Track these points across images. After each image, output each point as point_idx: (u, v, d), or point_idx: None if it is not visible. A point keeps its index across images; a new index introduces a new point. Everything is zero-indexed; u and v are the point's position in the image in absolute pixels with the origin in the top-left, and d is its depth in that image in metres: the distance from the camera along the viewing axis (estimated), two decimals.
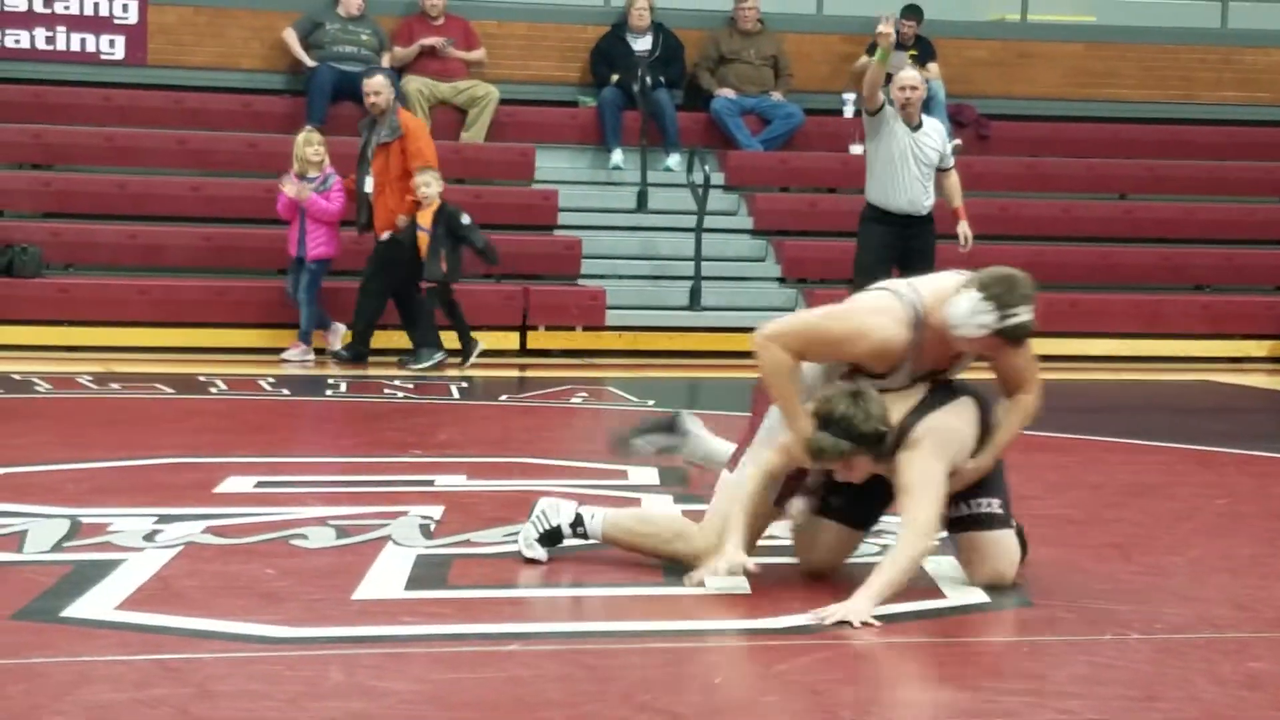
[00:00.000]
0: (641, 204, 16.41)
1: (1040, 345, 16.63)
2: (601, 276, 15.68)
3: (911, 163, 12.14)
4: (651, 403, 11.54)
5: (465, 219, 13.68)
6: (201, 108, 16.12)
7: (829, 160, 17.00)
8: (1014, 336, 5.67)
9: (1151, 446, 9.81)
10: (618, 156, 16.73)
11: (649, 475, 8.10)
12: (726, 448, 6.41)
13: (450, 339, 13.88)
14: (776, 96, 17.23)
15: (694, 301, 15.56)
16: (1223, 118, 18.24)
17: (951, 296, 5.64)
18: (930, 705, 4.52)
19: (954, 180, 12.49)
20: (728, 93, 17.07)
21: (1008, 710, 4.47)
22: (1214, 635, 5.30)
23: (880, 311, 5.72)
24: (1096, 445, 9.88)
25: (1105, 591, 5.86)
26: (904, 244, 12.14)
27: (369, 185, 13.92)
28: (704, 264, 15.65)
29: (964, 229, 12.60)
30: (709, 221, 15.89)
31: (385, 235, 13.85)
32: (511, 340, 15.10)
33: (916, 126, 12.17)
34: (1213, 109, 18.35)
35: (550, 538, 6.03)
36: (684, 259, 15.79)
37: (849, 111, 17.48)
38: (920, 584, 5.83)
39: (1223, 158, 17.70)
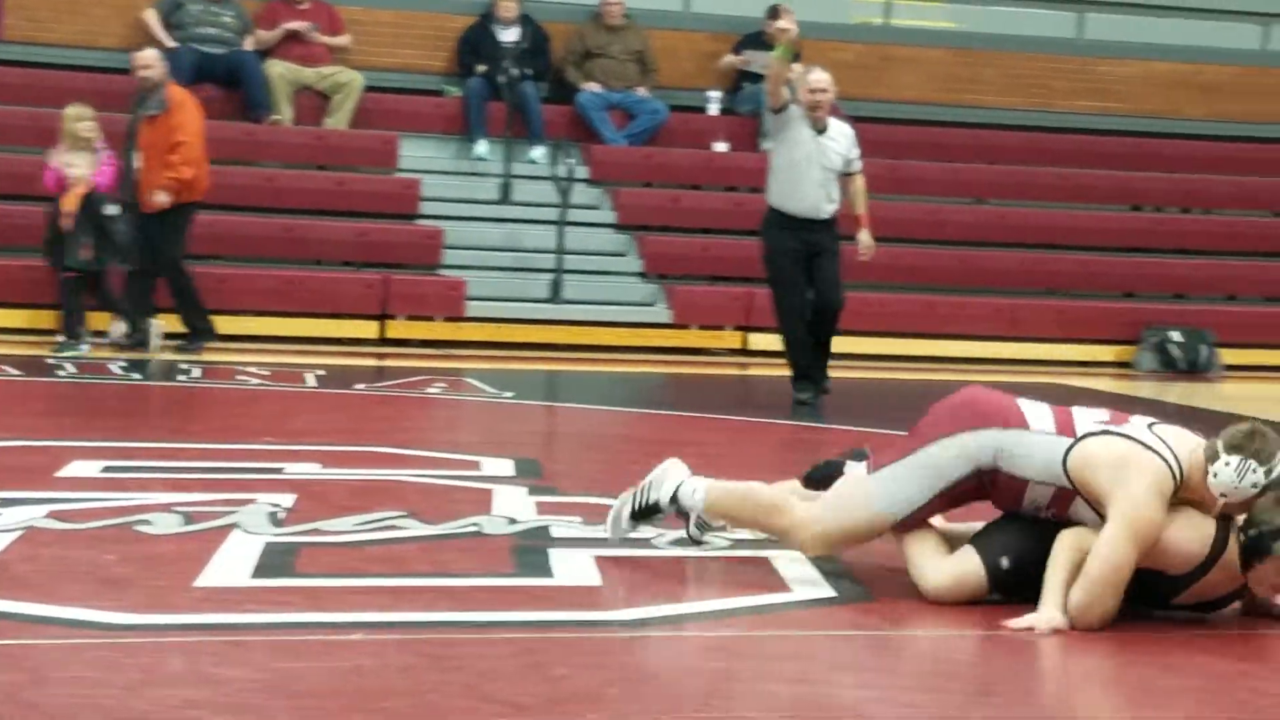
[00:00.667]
0: (505, 196, 16.40)
1: (899, 346, 16.86)
2: (463, 267, 15.65)
3: (815, 167, 11.59)
4: (510, 394, 11.53)
5: (111, 209, 13.50)
6: (59, 86, 15.90)
7: (693, 157, 17.07)
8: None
9: None
10: (482, 147, 16.69)
11: (504, 466, 8.09)
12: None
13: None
14: (642, 92, 17.28)
15: (555, 294, 15.57)
16: (1078, 126, 18.50)
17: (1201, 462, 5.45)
18: (772, 697, 4.54)
19: (859, 185, 12.04)
20: (593, 87, 17.09)
21: (847, 703, 4.51)
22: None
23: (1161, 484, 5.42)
24: None
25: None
26: (808, 249, 11.64)
27: (137, 160, 13.75)
28: (566, 257, 15.66)
29: (865, 237, 12.14)
30: (572, 215, 15.90)
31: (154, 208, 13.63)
32: (370, 329, 15.05)
33: (822, 130, 11.72)
34: (1069, 117, 18.61)
35: (646, 512, 6.11)
36: (546, 252, 15.79)
37: (714, 109, 17.57)
38: (767, 579, 5.88)
39: (1078, 165, 17.94)
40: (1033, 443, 5.57)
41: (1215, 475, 5.40)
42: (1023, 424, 5.62)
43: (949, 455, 5.63)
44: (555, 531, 6.52)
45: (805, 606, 5.61)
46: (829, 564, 6.10)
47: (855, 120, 17.63)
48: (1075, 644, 5.24)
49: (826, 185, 11.69)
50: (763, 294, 15.69)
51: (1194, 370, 15.94)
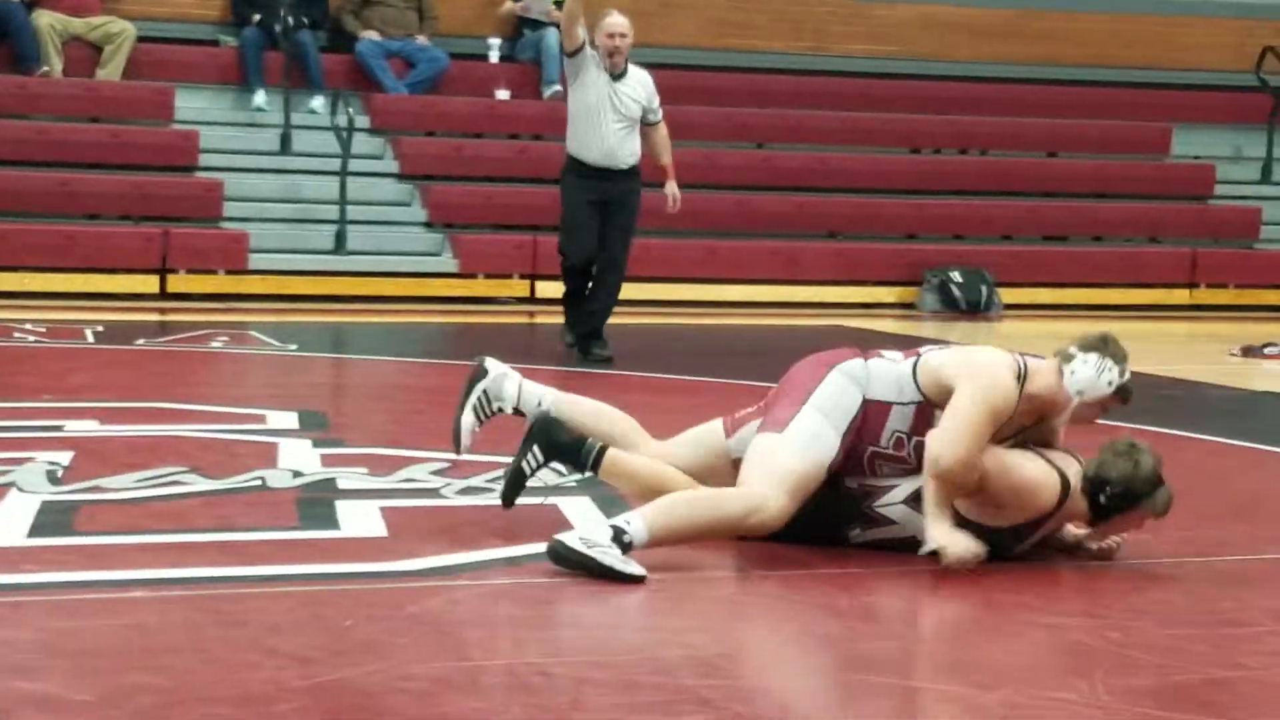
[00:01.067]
0: (285, 146, 16.24)
1: (680, 291, 16.90)
2: (244, 219, 15.49)
3: (609, 113, 11.18)
4: (294, 347, 11.45)
5: None
6: None
7: (475, 105, 17.01)
8: (1128, 392, 5.68)
9: None
10: (260, 98, 16.50)
11: (288, 419, 8.04)
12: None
13: None
14: (421, 40, 17.17)
15: (339, 245, 15.46)
16: (853, 69, 18.69)
17: (1057, 365, 5.64)
18: (560, 642, 4.58)
19: (662, 135, 11.68)
20: (372, 35, 16.96)
21: (634, 646, 4.56)
22: (833, 571, 5.46)
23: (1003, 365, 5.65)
24: (733, 388, 10.06)
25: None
26: (604, 199, 11.24)
27: None
28: (349, 208, 15.55)
29: (671, 188, 11.82)
30: (354, 165, 15.78)
31: None
32: (151, 284, 14.84)
33: (619, 75, 11.29)
34: (844, 60, 18.79)
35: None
36: (329, 202, 15.67)
37: (494, 56, 17.52)
38: (556, 525, 5.91)
39: (855, 108, 18.13)
40: (885, 367, 5.74)
41: (1073, 373, 5.61)
42: (875, 355, 5.81)
43: (837, 389, 5.69)
44: (341, 484, 6.50)
45: None
46: (621, 510, 6.14)
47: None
48: (851, 584, 5.34)
49: (624, 133, 11.27)
50: (549, 242, 15.74)
51: (975, 310, 16.22)
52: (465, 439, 6.12)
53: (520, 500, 5.86)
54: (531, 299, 15.56)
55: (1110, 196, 18.00)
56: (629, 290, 15.65)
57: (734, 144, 17.49)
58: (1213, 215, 18.15)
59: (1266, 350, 13.02)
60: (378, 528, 5.79)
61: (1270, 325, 14.61)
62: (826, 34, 18.86)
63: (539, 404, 6.19)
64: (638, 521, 5.30)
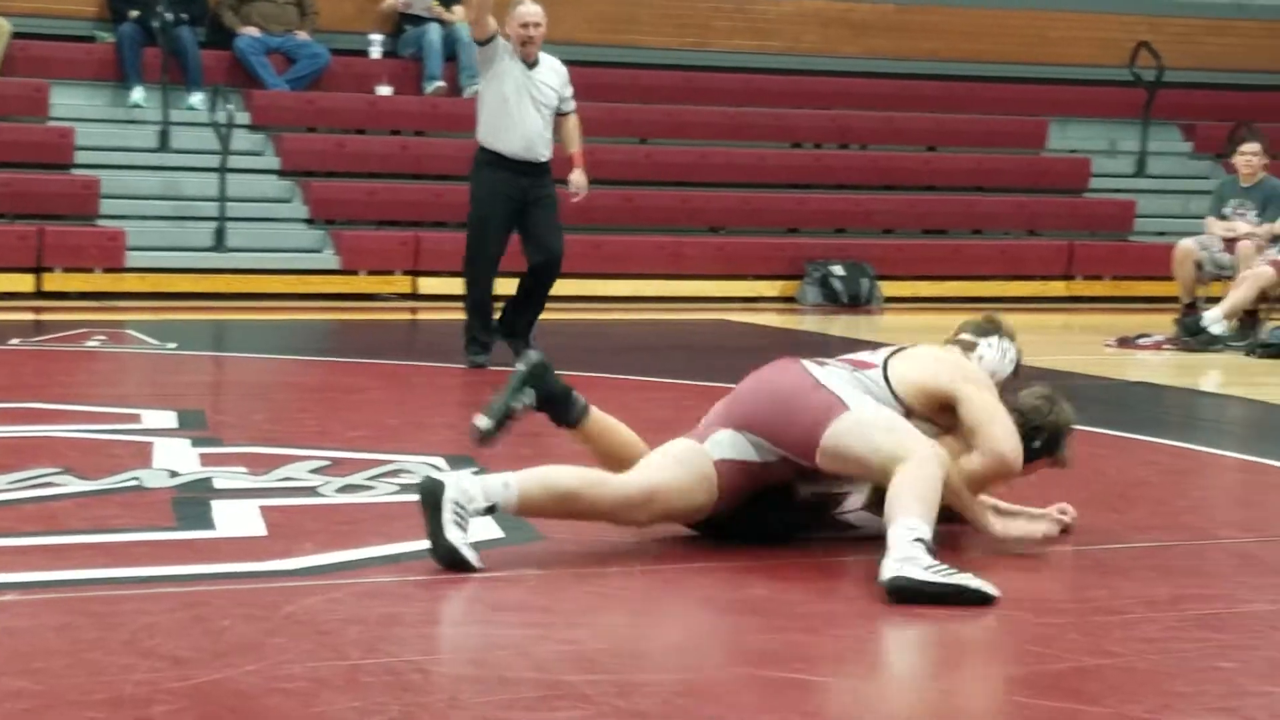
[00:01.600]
0: (163, 143, 16.11)
1: (567, 286, 16.97)
2: (122, 217, 15.35)
3: (528, 102, 10.85)
4: (173, 345, 11.36)
5: None
6: None
7: (356, 101, 16.94)
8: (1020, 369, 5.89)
9: (668, 383, 10.07)
10: (138, 94, 16.36)
11: (166, 419, 7.98)
12: None
13: None
14: (302, 36, 17.08)
15: (219, 243, 15.36)
16: (736, 65, 18.76)
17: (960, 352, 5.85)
18: (437, 640, 4.58)
19: (573, 124, 11.44)
20: (252, 31, 16.85)
21: (511, 643, 4.56)
22: (714, 564, 5.48)
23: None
24: (617, 383, 10.09)
25: (611, 526, 6.00)
26: (523, 194, 10.93)
27: None
28: (229, 205, 15.46)
29: (578, 176, 11.61)
30: (234, 161, 15.68)
31: None
32: (26, 283, 14.69)
33: (533, 65, 10.93)
34: (727, 56, 18.85)
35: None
36: (208, 199, 15.56)
37: (376, 52, 17.45)
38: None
39: (737, 103, 18.19)
40: (842, 374, 5.70)
41: (982, 359, 5.80)
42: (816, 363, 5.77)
43: (829, 377, 5.66)
44: (219, 483, 6.46)
45: (474, 548, 5.63)
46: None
47: None
48: (733, 578, 5.37)
49: (541, 124, 10.97)
50: (431, 237, 15.71)
51: (856, 303, 16.32)
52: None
53: (398, 498, 5.85)
54: (414, 295, 15.51)
55: (988, 190, 18.16)
56: (504, 286, 15.67)
57: (617, 139, 17.49)
58: (1088, 208, 18.35)
59: (1140, 341, 13.19)
60: (256, 527, 5.76)
61: (1145, 316, 14.79)
62: (710, 30, 18.92)
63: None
64: (920, 526, 5.10)
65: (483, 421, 5.76)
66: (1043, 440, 5.78)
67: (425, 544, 5.27)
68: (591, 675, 4.29)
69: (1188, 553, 5.89)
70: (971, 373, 5.73)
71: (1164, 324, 13.60)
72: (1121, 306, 16.81)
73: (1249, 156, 13.79)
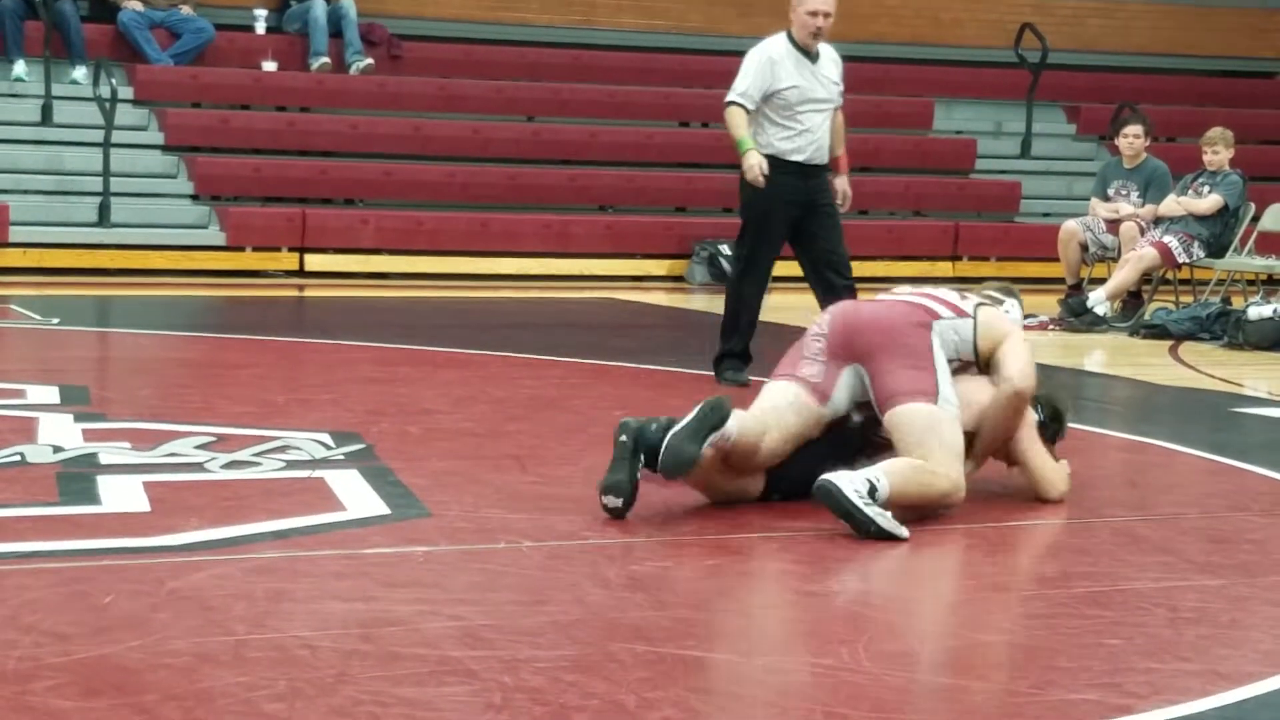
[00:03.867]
0: (46, 117, 15.90)
1: (453, 264, 16.83)
2: (4, 191, 15.14)
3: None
4: (56, 320, 11.23)
5: None
6: None
7: (241, 76, 16.79)
8: None
9: (555, 361, 10.05)
10: (20, 68, 16.14)
11: (49, 394, 7.90)
12: None
13: None
14: (186, 10, 16.91)
15: (102, 218, 15.19)
16: (623, 43, 18.74)
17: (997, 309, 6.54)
18: (325, 616, 4.55)
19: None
20: (135, 5, 16.66)
21: (400, 619, 4.54)
22: (602, 541, 5.49)
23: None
24: (503, 361, 10.07)
25: (502, 501, 6.00)
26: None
27: None
28: (113, 180, 15.29)
29: None
30: (118, 136, 15.51)
31: None
32: None
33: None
34: (614, 34, 18.83)
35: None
36: (92, 174, 15.38)
37: (261, 28, 17.31)
38: (322, 499, 5.88)
39: (625, 82, 18.18)
40: (948, 328, 6.24)
41: (1009, 313, 6.56)
42: (935, 312, 6.26)
43: (940, 352, 6.13)
44: (103, 458, 6.40)
45: (361, 525, 5.63)
46: (390, 484, 6.13)
47: (402, 39, 17.67)
48: (618, 554, 5.37)
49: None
50: (318, 214, 15.62)
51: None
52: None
53: (286, 474, 5.81)
54: (300, 272, 15.40)
55: (875, 170, 18.22)
56: (397, 264, 15.64)
57: (504, 117, 17.45)
58: (974, 189, 18.46)
59: (1026, 321, 13.28)
60: (140, 503, 5.71)
61: (1031, 297, 14.81)
62: (596, 8, 18.89)
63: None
64: (884, 481, 5.64)
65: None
66: (1055, 425, 6.51)
67: (317, 519, 5.25)
68: (479, 652, 4.28)
69: (1074, 531, 5.95)
70: (1018, 330, 6.48)
71: (1049, 305, 13.72)
72: None
73: (1131, 138, 13.91)
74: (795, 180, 9.47)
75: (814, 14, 9.60)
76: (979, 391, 6.25)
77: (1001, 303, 6.61)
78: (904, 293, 6.49)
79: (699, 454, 5.71)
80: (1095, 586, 5.24)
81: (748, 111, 9.52)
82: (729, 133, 9.54)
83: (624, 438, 5.74)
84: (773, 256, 9.66)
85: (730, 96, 9.62)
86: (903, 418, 5.93)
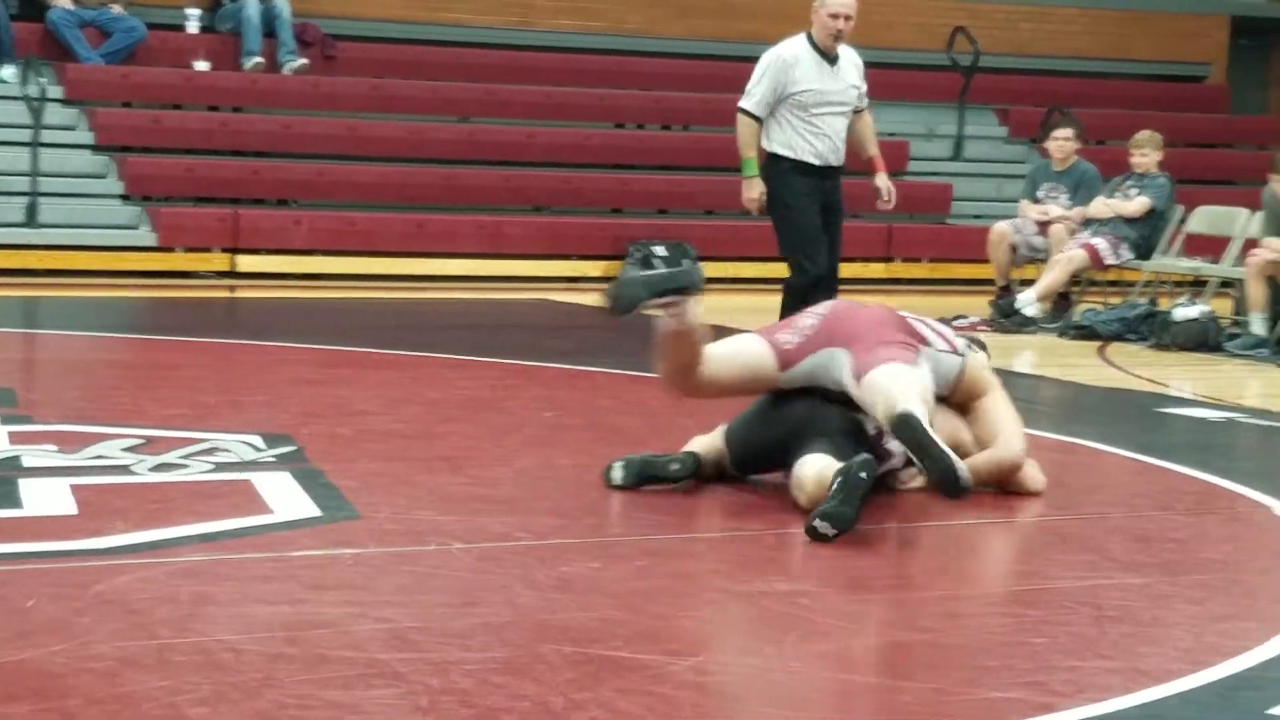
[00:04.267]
0: None
1: (389, 265, 16.79)
2: None
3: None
4: None
5: None
6: None
7: (173, 76, 16.70)
8: None
9: (489, 363, 10.04)
10: None
11: None
12: None
13: None
14: (117, 9, 16.80)
15: (31, 218, 15.07)
16: (560, 45, 18.73)
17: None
18: (251, 619, 4.54)
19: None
20: (65, 3, 16.55)
21: (327, 621, 4.53)
22: (532, 542, 5.49)
23: None
24: (438, 362, 10.05)
25: (433, 503, 6.00)
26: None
27: None
28: (41, 180, 15.18)
29: None
30: (46, 136, 15.41)
31: None
32: None
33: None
34: (550, 36, 18.82)
35: None
36: (20, 174, 15.26)
37: (193, 27, 17.22)
38: (249, 502, 5.86)
39: (560, 83, 18.18)
40: (937, 361, 6.39)
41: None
42: (929, 343, 6.44)
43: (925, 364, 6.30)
44: (27, 461, 6.36)
45: (289, 527, 5.61)
46: (320, 486, 6.12)
47: (336, 39, 17.62)
48: (548, 555, 5.38)
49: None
50: (250, 215, 15.56)
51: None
52: None
53: (213, 476, 5.79)
54: (233, 273, 15.34)
55: None
56: (331, 265, 15.59)
57: (440, 118, 17.42)
58: (907, 191, 18.35)
59: (957, 323, 13.33)
60: (66, 506, 5.68)
61: (962, 299, 14.97)
62: (533, 9, 18.87)
63: None
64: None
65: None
66: None
67: (244, 522, 5.23)
68: (407, 654, 4.28)
69: (1002, 530, 5.98)
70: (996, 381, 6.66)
71: (980, 306, 13.79)
72: (939, 289, 17.01)
73: (1061, 141, 13.99)
74: (811, 179, 9.55)
75: (835, 16, 9.71)
76: (947, 424, 6.32)
77: (977, 354, 6.74)
78: (904, 312, 6.64)
79: (642, 298, 6.10)
80: (1020, 585, 5.28)
81: (759, 121, 9.59)
82: (737, 141, 9.65)
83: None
84: (822, 249, 9.67)
85: (742, 103, 9.71)
86: (882, 373, 6.03)
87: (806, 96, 9.58)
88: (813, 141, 9.61)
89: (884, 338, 6.23)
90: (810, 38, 9.77)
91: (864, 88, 9.91)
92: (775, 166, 9.79)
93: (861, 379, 6.08)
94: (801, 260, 9.82)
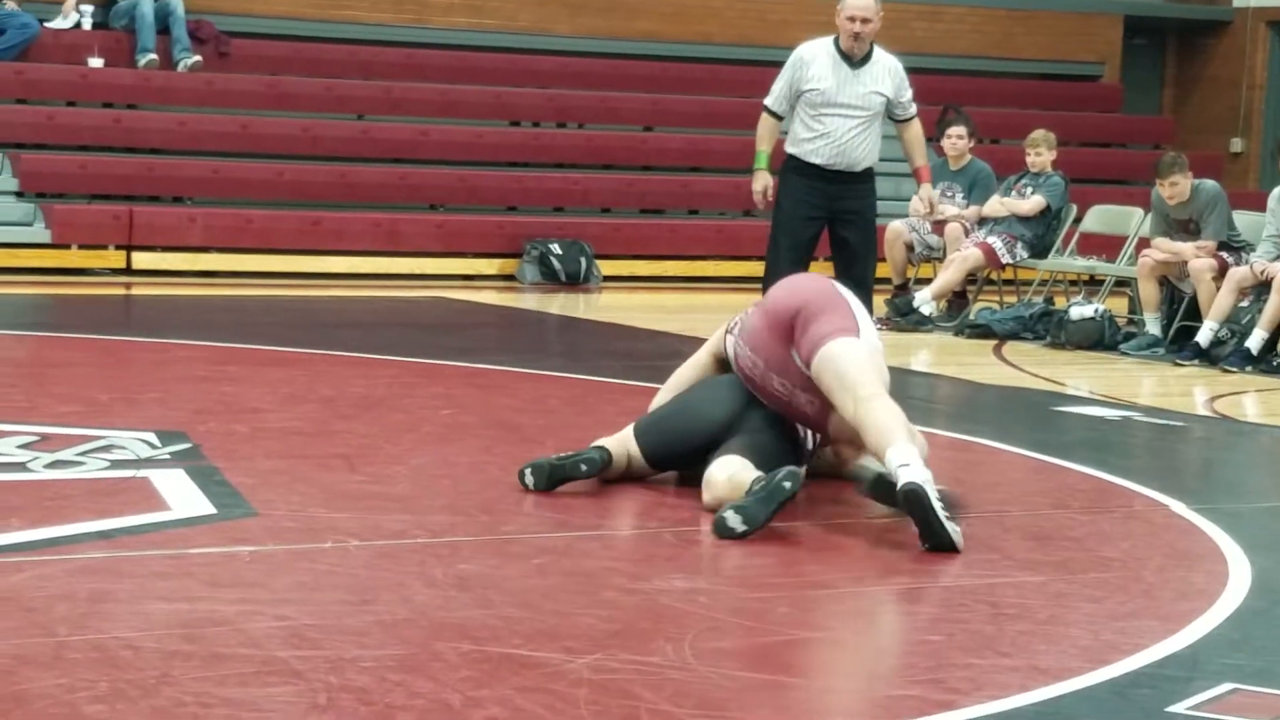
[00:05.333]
0: None
1: (284, 263, 16.72)
2: None
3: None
4: None
5: None
6: None
7: (67, 72, 16.56)
8: None
9: (386, 360, 10.01)
10: None
11: None
12: None
13: None
14: (11, 6, 16.64)
15: None
16: (455, 42, 18.69)
17: None
18: (149, 616, 4.51)
19: None
20: None
21: (224, 619, 4.51)
22: (429, 540, 5.48)
23: None
24: (333, 360, 10.01)
25: (329, 500, 5.98)
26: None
27: None
28: None
29: None
30: None
31: None
32: None
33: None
34: (445, 34, 18.77)
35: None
36: None
37: (87, 23, 17.06)
38: (145, 499, 5.82)
39: (456, 81, 18.14)
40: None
41: None
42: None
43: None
44: None
45: (186, 525, 5.59)
46: (216, 483, 6.08)
47: (230, 36, 17.50)
48: (445, 552, 5.37)
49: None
50: (145, 212, 15.44)
51: (575, 281, 16.35)
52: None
53: (109, 474, 5.75)
54: (128, 270, 15.21)
55: (704, 170, 18.34)
56: (226, 262, 15.49)
57: (335, 115, 17.34)
58: None
59: None
60: None
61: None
62: (428, 6, 18.81)
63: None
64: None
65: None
66: None
67: (141, 519, 5.20)
68: (304, 651, 4.27)
69: (897, 528, 6.01)
70: None
71: (876, 304, 13.85)
72: None
73: (955, 139, 14.09)
74: (813, 182, 9.55)
75: (852, 19, 9.71)
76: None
77: None
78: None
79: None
80: (917, 583, 5.31)
81: (777, 118, 9.66)
82: None
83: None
84: (795, 258, 9.62)
85: (765, 100, 9.77)
86: (833, 351, 6.06)
87: (814, 96, 9.64)
88: (815, 142, 9.65)
89: (826, 307, 6.24)
90: (836, 40, 9.83)
91: (905, 96, 9.88)
92: (784, 165, 9.86)
93: (813, 358, 6.10)
94: (768, 260, 9.86)
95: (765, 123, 9.83)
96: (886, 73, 9.82)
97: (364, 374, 9.44)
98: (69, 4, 16.93)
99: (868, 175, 9.81)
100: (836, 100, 9.64)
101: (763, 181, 9.80)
